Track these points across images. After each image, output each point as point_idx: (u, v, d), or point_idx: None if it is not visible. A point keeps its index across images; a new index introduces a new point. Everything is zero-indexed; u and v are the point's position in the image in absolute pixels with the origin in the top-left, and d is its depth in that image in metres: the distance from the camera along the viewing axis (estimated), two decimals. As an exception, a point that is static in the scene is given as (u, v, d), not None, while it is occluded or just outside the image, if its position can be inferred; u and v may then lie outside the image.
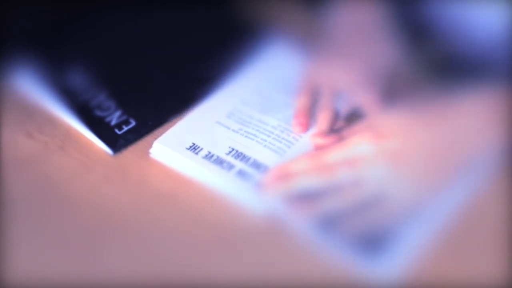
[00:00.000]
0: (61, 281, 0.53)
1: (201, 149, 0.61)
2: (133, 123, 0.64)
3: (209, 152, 0.60)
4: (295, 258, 0.54)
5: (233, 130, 0.62)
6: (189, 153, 0.60)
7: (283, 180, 0.57)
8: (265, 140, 0.61)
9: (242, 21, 0.74)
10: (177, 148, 0.61)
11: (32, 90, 0.66)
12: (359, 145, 0.58)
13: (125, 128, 0.63)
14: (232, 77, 0.67)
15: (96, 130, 0.63)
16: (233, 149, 0.60)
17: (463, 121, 0.58)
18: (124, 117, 0.64)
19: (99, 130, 0.63)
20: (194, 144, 0.61)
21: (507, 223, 0.56)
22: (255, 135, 0.62)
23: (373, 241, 0.53)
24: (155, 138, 0.63)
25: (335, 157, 0.58)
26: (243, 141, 0.61)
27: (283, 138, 0.61)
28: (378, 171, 0.57)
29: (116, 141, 0.62)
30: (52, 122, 0.64)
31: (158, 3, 0.75)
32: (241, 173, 0.58)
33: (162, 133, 0.63)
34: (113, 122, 0.64)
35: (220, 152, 0.60)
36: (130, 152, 0.62)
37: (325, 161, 0.58)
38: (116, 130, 0.63)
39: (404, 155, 0.57)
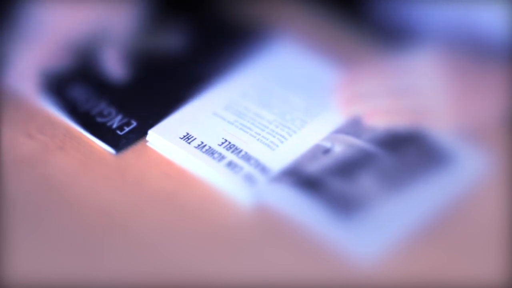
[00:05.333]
0: (61, 281, 0.53)
1: (194, 139, 0.61)
2: (134, 123, 0.64)
3: (202, 142, 0.61)
4: (292, 251, 0.55)
5: (229, 122, 0.63)
6: (182, 142, 0.61)
7: (355, 102, 0.63)
8: (259, 134, 0.62)
9: (242, 20, 0.74)
10: (171, 137, 0.62)
11: (32, 90, 0.66)
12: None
13: (127, 129, 0.63)
14: (231, 74, 0.67)
15: (98, 133, 0.63)
16: (226, 141, 0.61)
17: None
18: (125, 120, 0.64)
19: (101, 133, 0.63)
20: (188, 133, 0.62)
21: (506, 220, 0.56)
22: (249, 128, 0.62)
23: (350, 205, 0.56)
24: (156, 138, 0.63)
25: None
26: (237, 133, 0.62)
27: (277, 133, 0.62)
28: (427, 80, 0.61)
29: (118, 141, 0.62)
30: (52, 122, 0.64)
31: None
32: (231, 165, 0.59)
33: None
34: (115, 125, 0.64)
35: (213, 142, 0.61)
36: (130, 152, 0.62)
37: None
38: (118, 132, 0.63)
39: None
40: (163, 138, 0.62)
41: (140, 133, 0.63)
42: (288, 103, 0.65)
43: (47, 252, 0.55)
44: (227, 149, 0.61)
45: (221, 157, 0.60)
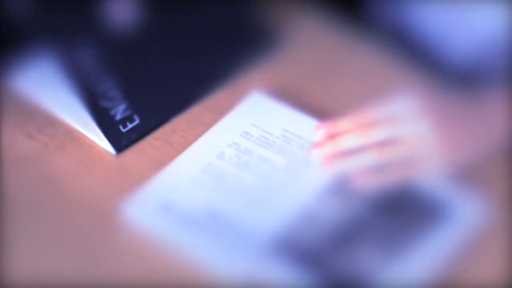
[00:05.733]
0: (61, 281, 0.53)
1: (175, 208, 0.58)
2: (136, 120, 0.64)
3: (183, 212, 0.58)
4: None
5: (208, 188, 0.60)
6: (163, 214, 0.58)
7: (338, 159, 0.60)
8: (241, 199, 0.59)
9: (254, 23, 0.73)
10: (151, 209, 0.58)
11: (32, 90, 0.66)
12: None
13: (129, 126, 0.63)
14: (232, 78, 0.67)
15: (101, 124, 0.63)
16: (207, 208, 0.58)
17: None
18: (129, 112, 0.64)
19: (104, 125, 0.63)
20: (167, 203, 0.58)
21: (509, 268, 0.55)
22: (230, 193, 0.59)
23: (351, 280, 0.53)
24: (155, 139, 0.63)
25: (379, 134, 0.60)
26: (218, 198, 0.59)
27: (259, 196, 0.59)
28: (414, 129, 0.59)
29: (120, 141, 0.62)
30: (52, 122, 0.64)
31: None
32: (215, 234, 0.56)
33: (162, 133, 0.63)
34: (118, 117, 0.64)
35: (194, 211, 0.58)
36: (130, 152, 0.62)
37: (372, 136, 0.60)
38: (121, 127, 0.63)
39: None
40: (143, 209, 0.58)
41: (141, 133, 0.63)
42: (268, 162, 0.62)
43: (47, 252, 0.55)
44: (210, 217, 0.57)
45: (204, 227, 0.57)
